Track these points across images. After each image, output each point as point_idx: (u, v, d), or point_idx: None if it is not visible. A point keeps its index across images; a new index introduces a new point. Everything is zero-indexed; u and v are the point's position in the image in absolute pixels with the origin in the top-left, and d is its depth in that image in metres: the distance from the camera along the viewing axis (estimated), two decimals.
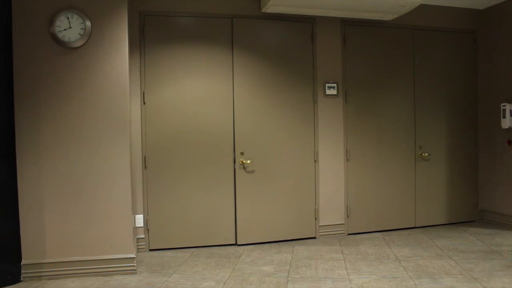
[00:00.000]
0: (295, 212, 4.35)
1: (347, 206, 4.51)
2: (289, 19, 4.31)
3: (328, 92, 4.40)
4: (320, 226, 4.42)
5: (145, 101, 3.99)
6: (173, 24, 4.06)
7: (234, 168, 4.18)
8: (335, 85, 4.43)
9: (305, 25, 4.38)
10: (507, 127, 4.52)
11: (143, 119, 3.98)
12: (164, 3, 4.02)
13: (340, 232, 4.48)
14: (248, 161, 4.18)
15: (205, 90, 4.12)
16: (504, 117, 4.53)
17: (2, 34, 3.12)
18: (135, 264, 3.37)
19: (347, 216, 4.52)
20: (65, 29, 3.23)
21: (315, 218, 4.41)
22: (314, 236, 4.41)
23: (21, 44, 3.19)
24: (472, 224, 4.88)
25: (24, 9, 3.18)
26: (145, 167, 4.00)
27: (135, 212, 3.87)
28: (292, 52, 4.34)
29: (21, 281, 3.18)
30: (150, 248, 4.02)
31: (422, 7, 4.33)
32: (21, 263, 3.19)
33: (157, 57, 4.00)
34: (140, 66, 3.97)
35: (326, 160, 4.43)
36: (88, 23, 3.26)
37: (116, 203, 3.34)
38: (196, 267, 3.53)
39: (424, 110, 4.79)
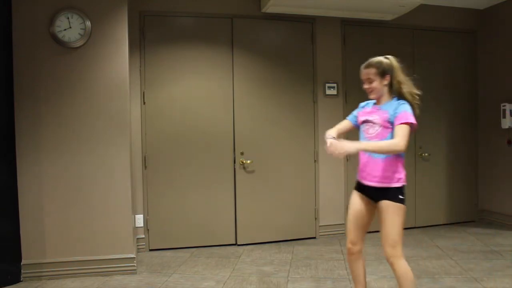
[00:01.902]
0: (295, 212, 4.35)
1: (347, 206, 4.50)
2: (289, 19, 4.31)
3: (328, 92, 4.40)
4: (320, 226, 4.42)
5: (145, 101, 3.99)
6: (173, 24, 4.06)
7: (234, 168, 4.18)
8: (335, 85, 4.43)
9: (305, 25, 4.38)
10: (507, 127, 4.52)
11: (143, 119, 3.98)
12: (164, 3, 4.02)
13: (340, 232, 4.48)
14: (248, 161, 4.18)
15: (205, 90, 4.12)
16: (504, 117, 4.53)
17: (2, 34, 3.12)
18: (135, 264, 3.37)
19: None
20: (65, 29, 3.23)
21: (315, 218, 4.41)
22: (314, 236, 4.41)
23: (21, 44, 3.19)
24: (472, 224, 4.88)
25: (24, 9, 3.18)
26: (145, 167, 3.99)
27: (135, 212, 3.87)
28: (292, 52, 4.34)
29: (21, 281, 3.18)
30: (150, 248, 4.02)
31: (422, 7, 4.32)
32: (21, 263, 3.19)
33: (157, 57, 4.00)
34: (140, 66, 3.97)
35: (326, 160, 4.42)
36: (88, 23, 3.26)
37: (116, 203, 3.34)
38: (196, 267, 3.53)
39: (424, 110, 4.70)
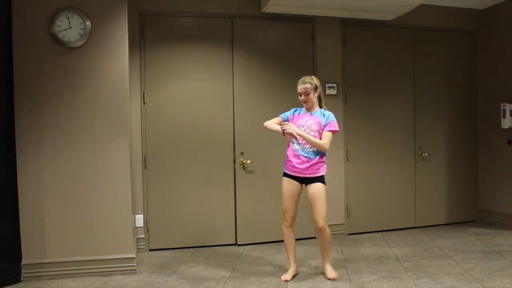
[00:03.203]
0: None
1: (347, 206, 4.51)
2: (289, 19, 4.31)
3: (328, 92, 4.40)
4: None
5: (145, 101, 3.99)
6: (173, 24, 4.06)
7: (234, 168, 4.18)
8: (335, 85, 4.43)
9: (305, 25, 4.38)
10: (507, 127, 4.52)
11: (143, 119, 3.98)
12: (164, 3, 4.02)
13: (340, 232, 4.48)
14: (248, 161, 4.18)
15: (205, 90, 4.12)
16: (504, 117, 4.53)
17: (2, 34, 3.12)
18: (135, 264, 3.37)
19: (347, 216, 4.51)
20: (65, 29, 3.23)
21: None
22: (314, 236, 4.40)
23: (21, 44, 3.19)
24: (472, 224, 4.88)
25: (24, 9, 3.18)
26: (145, 167, 3.99)
27: (135, 212, 3.87)
28: (292, 52, 4.34)
29: (21, 281, 3.18)
30: (150, 248, 4.02)
31: (422, 7, 4.32)
32: (21, 263, 3.19)
33: (157, 57, 4.00)
34: (140, 66, 3.97)
35: (326, 160, 4.41)
36: (88, 23, 3.26)
37: (116, 203, 3.34)
38: (196, 267, 3.53)
39: (424, 110, 4.79)
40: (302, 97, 3.21)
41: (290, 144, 3.20)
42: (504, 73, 4.66)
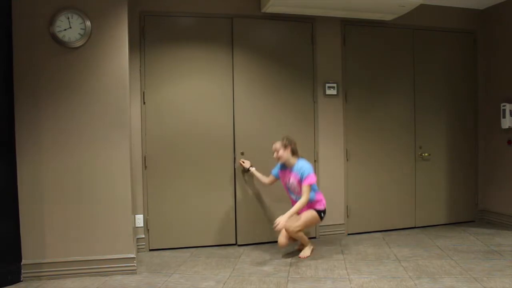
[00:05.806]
0: None
1: (347, 206, 4.51)
2: (289, 19, 4.31)
3: (328, 92, 4.40)
4: (320, 226, 4.41)
5: (145, 101, 3.99)
6: (173, 24, 4.06)
7: (234, 168, 4.18)
8: (335, 85, 4.43)
9: (305, 25, 4.38)
10: (507, 127, 4.52)
11: (143, 119, 3.98)
12: (164, 3, 4.02)
13: (340, 232, 4.48)
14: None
15: (205, 90, 4.12)
16: (504, 117, 4.53)
17: (2, 34, 3.12)
18: (135, 264, 3.37)
19: (347, 216, 4.51)
20: (65, 29, 3.23)
21: None
22: (314, 236, 4.41)
23: (21, 44, 3.19)
24: (472, 224, 4.88)
25: (24, 9, 3.18)
26: (145, 167, 3.99)
27: (135, 212, 3.87)
28: (292, 52, 4.34)
29: (21, 281, 3.18)
30: (150, 248, 4.02)
31: (422, 7, 4.32)
32: (21, 263, 3.19)
33: (157, 57, 4.00)
34: (140, 66, 3.97)
35: (326, 160, 4.43)
36: (88, 23, 3.26)
37: (116, 203, 3.34)
38: (196, 267, 3.53)
39: (424, 110, 4.79)
40: (274, 155, 3.78)
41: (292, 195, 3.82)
42: (504, 73, 4.66)
